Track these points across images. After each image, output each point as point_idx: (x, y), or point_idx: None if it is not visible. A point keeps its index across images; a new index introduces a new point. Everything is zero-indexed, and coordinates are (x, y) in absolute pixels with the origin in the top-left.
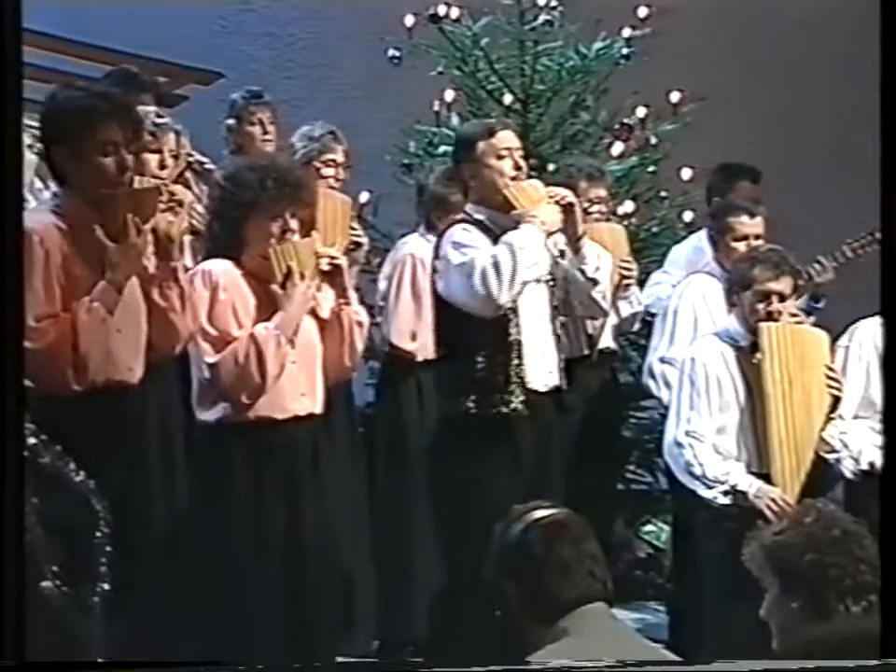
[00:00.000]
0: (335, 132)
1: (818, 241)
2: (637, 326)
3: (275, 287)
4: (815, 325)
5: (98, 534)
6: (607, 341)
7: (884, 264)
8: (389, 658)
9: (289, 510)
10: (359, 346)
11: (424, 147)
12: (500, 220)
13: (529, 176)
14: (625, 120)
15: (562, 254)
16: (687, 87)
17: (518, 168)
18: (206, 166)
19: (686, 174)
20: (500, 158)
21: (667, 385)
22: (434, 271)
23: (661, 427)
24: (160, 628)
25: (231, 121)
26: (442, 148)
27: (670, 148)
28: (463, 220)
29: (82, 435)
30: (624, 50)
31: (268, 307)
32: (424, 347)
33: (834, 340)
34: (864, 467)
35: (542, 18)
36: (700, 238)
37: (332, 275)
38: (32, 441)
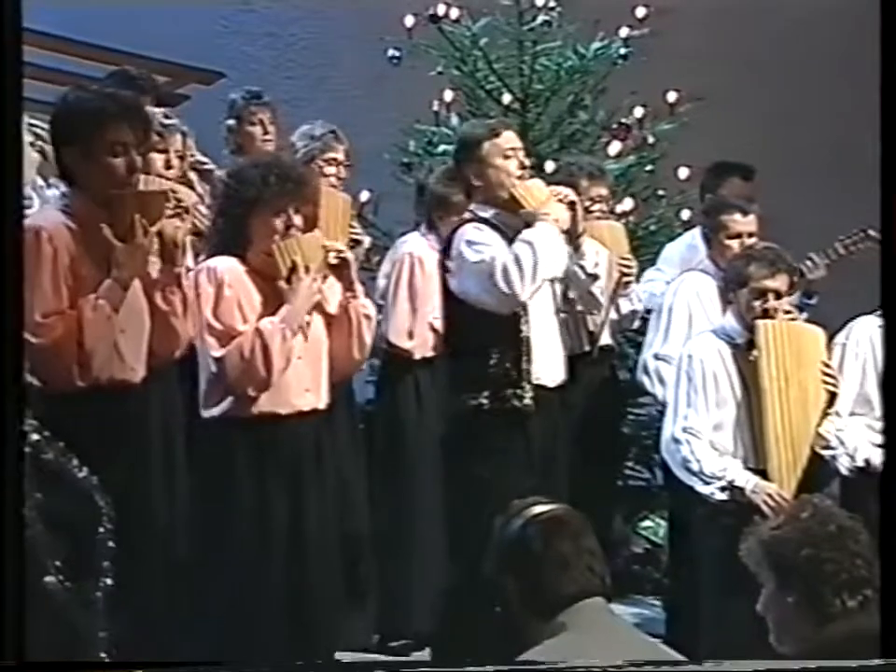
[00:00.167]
0: (336, 131)
1: (817, 241)
2: (636, 323)
3: (280, 282)
4: (807, 321)
5: (101, 530)
6: (606, 338)
7: (884, 264)
8: (389, 652)
9: (292, 505)
10: (368, 339)
11: (423, 146)
12: (508, 219)
13: (529, 175)
14: (623, 120)
15: None
16: (685, 87)
17: (523, 167)
18: (207, 167)
19: (683, 173)
20: (506, 158)
21: (661, 381)
22: (445, 269)
23: (658, 424)
24: (162, 622)
25: (231, 121)
26: (442, 147)
27: (667, 148)
28: (472, 220)
29: (85, 432)
30: (622, 50)
31: (273, 303)
32: (421, 345)
33: (831, 337)
34: (860, 464)
35: (541, 18)
36: (693, 236)
37: (339, 269)
38: (35, 437)
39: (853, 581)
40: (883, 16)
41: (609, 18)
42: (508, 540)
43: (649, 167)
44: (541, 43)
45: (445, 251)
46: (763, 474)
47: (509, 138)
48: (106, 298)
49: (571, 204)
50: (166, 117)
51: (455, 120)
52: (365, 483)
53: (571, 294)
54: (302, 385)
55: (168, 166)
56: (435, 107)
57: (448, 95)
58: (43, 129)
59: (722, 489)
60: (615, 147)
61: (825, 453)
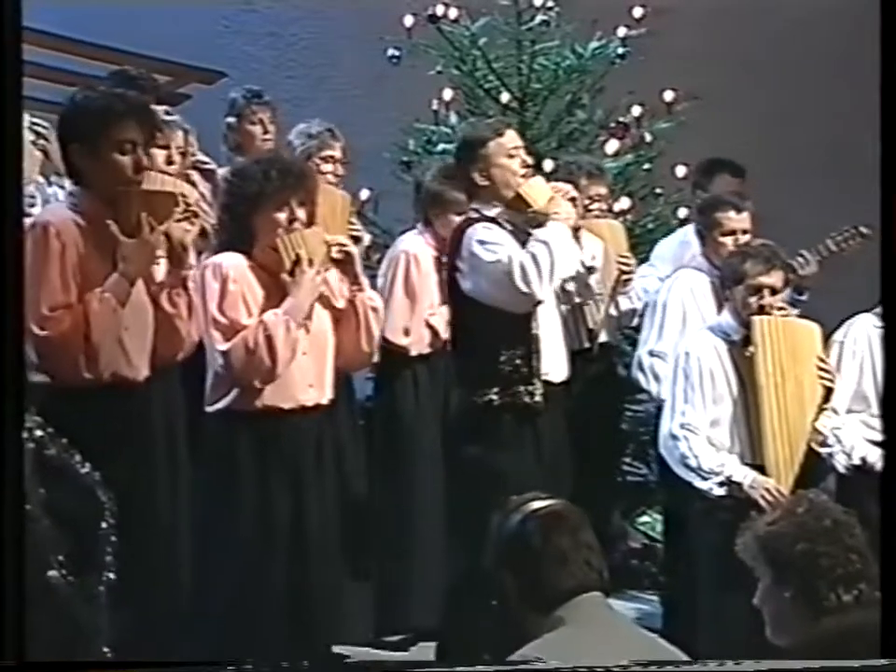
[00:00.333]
0: (332, 129)
1: (814, 241)
2: (635, 321)
3: (284, 275)
4: (799, 317)
5: (104, 524)
6: (605, 335)
7: (884, 263)
8: (388, 647)
9: (293, 499)
10: (376, 332)
11: (423, 144)
12: (513, 218)
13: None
14: (621, 119)
15: None
16: (682, 86)
17: (526, 166)
18: (208, 166)
19: (680, 171)
20: (510, 157)
21: (656, 378)
22: (455, 269)
23: (656, 420)
24: (164, 617)
25: (231, 120)
26: (441, 146)
27: (665, 147)
28: (478, 219)
29: (88, 428)
30: (620, 50)
31: (277, 297)
32: (417, 342)
33: (827, 335)
34: (856, 462)
35: (539, 18)
36: (686, 233)
37: (343, 263)
38: (38, 433)
39: (848, 576)
40: (882, 16)
41: (607, 18)
42: (506, 535)
43: (646, 166)
44: (539, 42)
45: (453, 251)
46: (761, 469)
47: (512, 137)
48: (112, 292)
49: (572, 200)
50: (167, 113)
51: (454, 119)
52: (365, 477)
53: (568, 287)
54: (306, 381)
55: (170, 162)
56: (434, 106)
57: (447, 94)
58: (44, 127)
59: (720, 484)
60: (613, 145)
61: (822, 450)
